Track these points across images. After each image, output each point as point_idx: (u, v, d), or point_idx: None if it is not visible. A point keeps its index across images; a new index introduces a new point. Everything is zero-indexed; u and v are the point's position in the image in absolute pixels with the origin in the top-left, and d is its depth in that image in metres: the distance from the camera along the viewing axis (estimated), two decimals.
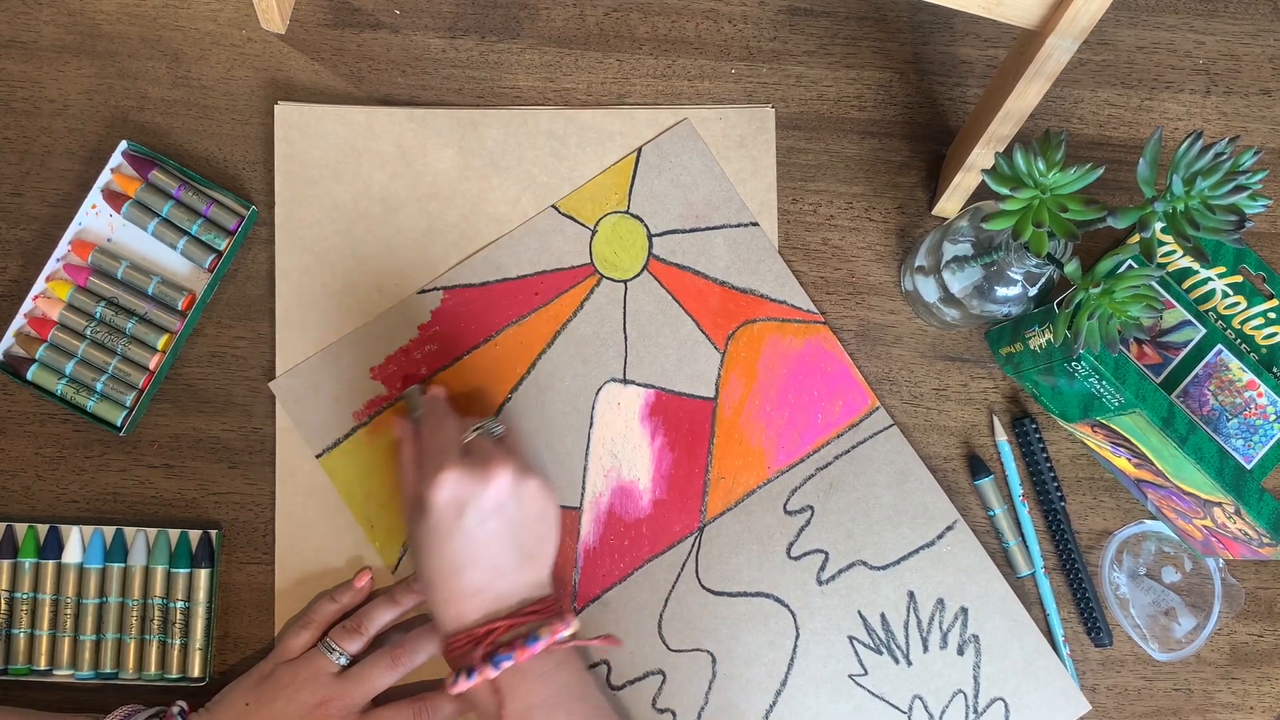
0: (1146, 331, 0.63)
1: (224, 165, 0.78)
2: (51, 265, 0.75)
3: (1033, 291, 0.72)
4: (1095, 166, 0.63)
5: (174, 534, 0.74)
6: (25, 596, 0.73)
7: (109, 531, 0.74)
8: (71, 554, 0.74)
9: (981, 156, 0.74)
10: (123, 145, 0.76)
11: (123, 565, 0.74)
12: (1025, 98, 0.69)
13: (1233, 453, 0.75)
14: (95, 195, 0.76)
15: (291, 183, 0.77)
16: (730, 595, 0.76)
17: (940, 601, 0.77)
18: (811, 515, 0.77)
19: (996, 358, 0.80)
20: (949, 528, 0.77)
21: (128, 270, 0.75)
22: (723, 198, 0.79)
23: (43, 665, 0.73)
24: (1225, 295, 0.80)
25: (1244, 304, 0.80)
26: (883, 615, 0.77)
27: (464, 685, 0.65)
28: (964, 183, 0.77)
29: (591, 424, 0.77)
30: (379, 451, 0.76)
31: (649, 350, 0.78)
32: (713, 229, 0.79)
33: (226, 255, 0.76)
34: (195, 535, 0.75)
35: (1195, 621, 0.79)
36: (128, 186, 0.76)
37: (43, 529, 0.74)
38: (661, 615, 0.76)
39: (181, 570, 0.74)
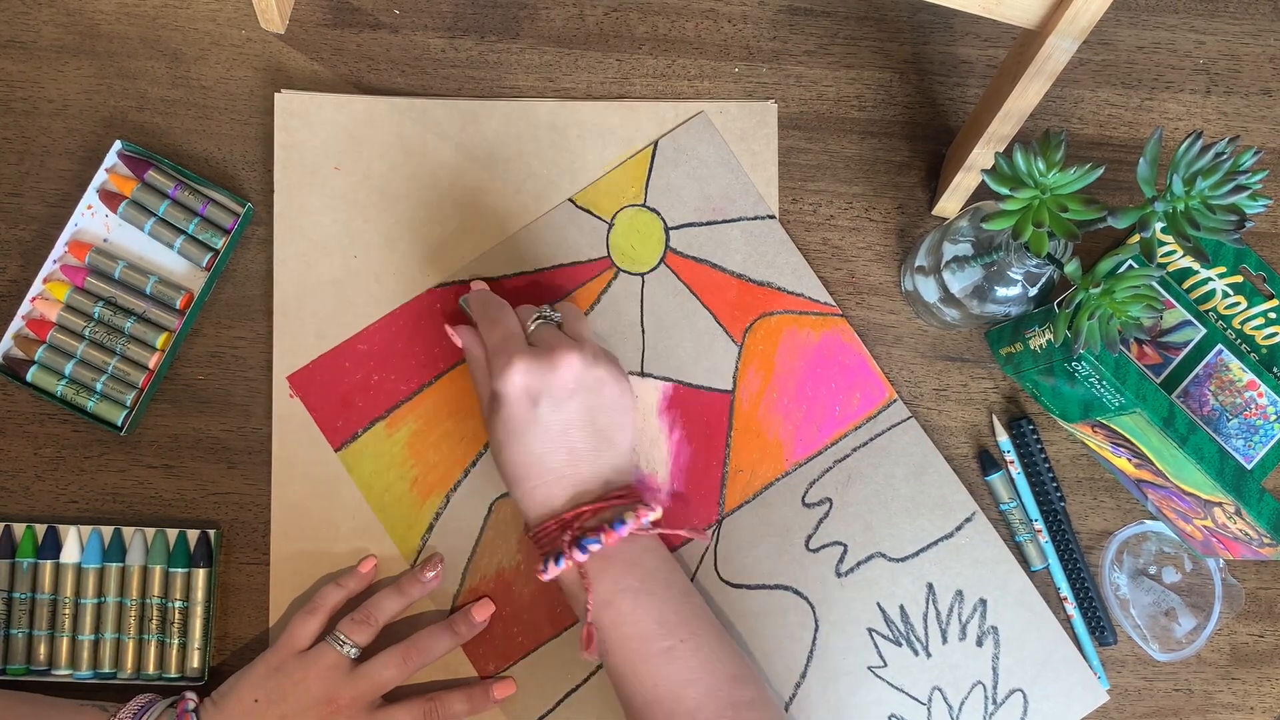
0: (1147, 332, 0.63)
1: (223, 165, 0.78)
2: (49, 267, 0.75)
3: (1033, 292, 0.72)
4: (1095, 166, 0.62)
5: (172, 534, 0.74)
6: (23, 596, 0.73)
7: (107, 531, 0.74)
8: (69, 554, 0.74)
9: (981, 156, 0.74)
10: (117, 145, 0.76)
11: (121, 565, 0.74)
12: (1025, 97, 0.69)
13: (1233, 453, 0.75)
14: (91, 195, 0.76)
15: (290, 171, 0.77)
16: (749, 588, 0.76)
17: (959, 593, 0.77)
18: (830, 507, 0.77)
19: (996, 358, 0.80)
20: (967, 519, 0.78)
21: (125, 270, 0.75)
22: (739, 190, 0.79)
23: (41, 665, 0.73)
24: (1225, 295, 0.80)
25: (1244, 304, 0.80)
26: (902, 607, 0.77)
27: (554, 571, 0.66)
28: (964, 183, 0.77)
29: None
30: (397, 445, 0.76)
31: (666, 343, 0.78)
32: (729, 222, 0.79)
33: (223, 253, 0.76)
34: (194, 535, 0.74)
35: (1196, 622, 0.79)
36: (124, 186, 0.76)
37: (41, 529, 0.74)
38: None
39: (180, 570, 0.74)
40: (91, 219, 0.76)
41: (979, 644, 0.77)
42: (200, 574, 0.74)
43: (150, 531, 0.74)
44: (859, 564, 0.77)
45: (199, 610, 0.74)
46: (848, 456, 0.78)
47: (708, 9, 0.82)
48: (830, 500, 0.77)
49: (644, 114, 0.80)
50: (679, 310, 0.78)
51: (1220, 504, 0.70)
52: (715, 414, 0.78)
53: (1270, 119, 0.84)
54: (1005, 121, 0.71)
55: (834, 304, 0.79)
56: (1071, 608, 0.78)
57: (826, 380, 0.78)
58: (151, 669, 0.73)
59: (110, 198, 0.76)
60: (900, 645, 0.76)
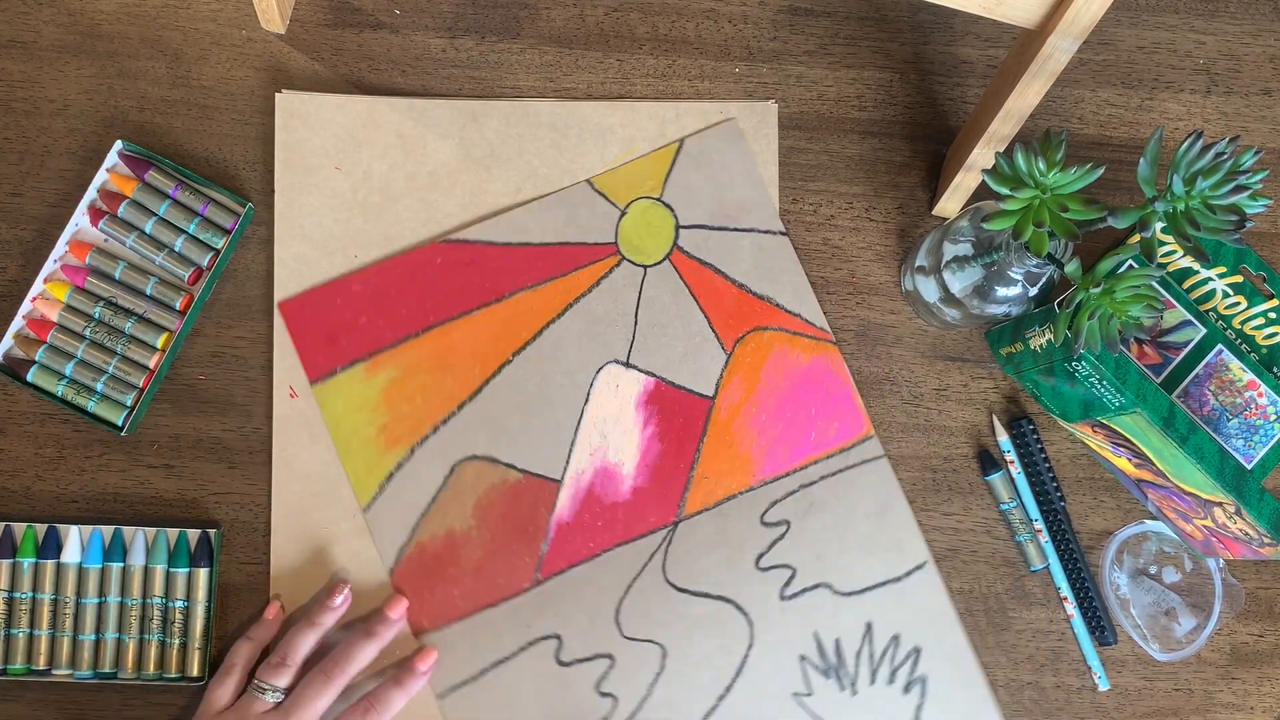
0: (1147, 331, 0.63)
1: (223, 165, 0.78)
2: (49, 266, 0.75)
3: (1033, 291, 0.72)
4: (1096, 166, 0.62)
5: (173, 533, 0.74)
6: (24, 596, 0.73)
7: (108, 531, 0.74)
8: (70, 554, 0.74)
9: (982, 156, 0.74)
10: (118, 145, 0.76)
11: (121, 565, 0.74)
12: (1026, 97, 0.69)
13: (1233, 453, 0.75)
14: (92, 195, 0.76)
15: (291, 171, 0.78)
16: (692, 594, 0.76)
17: (896, 638, 0.76)
18: (787, 530, 0.77)
19: (997, 358, 0.80)
20: (918, 567, 0.77)
21: (126, 270, 0.75)
22: (756, 202, 0.79)
23: (42, 665, 0.73)
24: (1226, 295, 0.80)
25: (1244, 304, 0.80)
26: (838, 641, 0.76)
27: None
28: (964, 183, 0.77)
29: (587, 401, 0.77)
30: (373, 389, 0.76)
31: (656, 339, 0.78)
32: (741, 231, 0.79)
33: (224, 253, 0.76)
34: (194, 535, 0.74)
35: (1196, 621, 0.79)
36: (124, 186, 0.76)
37: (41, 529, 0.74)
38: (621, 601, 0.76)
39: (180, 570, 0.74)
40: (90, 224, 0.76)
41: (905, 690, 0.76)
42: (201, 574, 0.74)
43: (151, 531, 0.74)
44: (804, 590, 0.76)
45: (199, 610, 0.74)
46: (814, 483, 0.77)
47: (708, 9, 0.82)
48: (789, 523, 0.77)
49: (644, 114, 0.80)
50: (675, 308, 0.78)
51: (1220, 504, 0.70)
52: (692, 417, 0.77)
53: (1270, 119, 0.84)
54: (1005, 121, 0.71)
55: (829, 331, 0.79)
56: (1071, 607, 0.78)
57: (808, 404, 0.78)
58: (152, 669, 0.73)
59: (111, 198, 0.76)
60: (829, 677, 0.76)
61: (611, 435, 0.77)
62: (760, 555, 0.76)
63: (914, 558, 0.77)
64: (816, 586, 0.76)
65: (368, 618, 0.74)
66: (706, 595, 0.76)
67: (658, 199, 0.79)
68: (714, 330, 0.78)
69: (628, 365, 0.78)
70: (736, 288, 0.79)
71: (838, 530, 0.77)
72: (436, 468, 0.76)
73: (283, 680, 0.70)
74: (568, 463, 0.76)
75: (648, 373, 0.78)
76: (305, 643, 0.72)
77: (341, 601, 0.73)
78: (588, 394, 0.77)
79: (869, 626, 0.76)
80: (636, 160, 0.79)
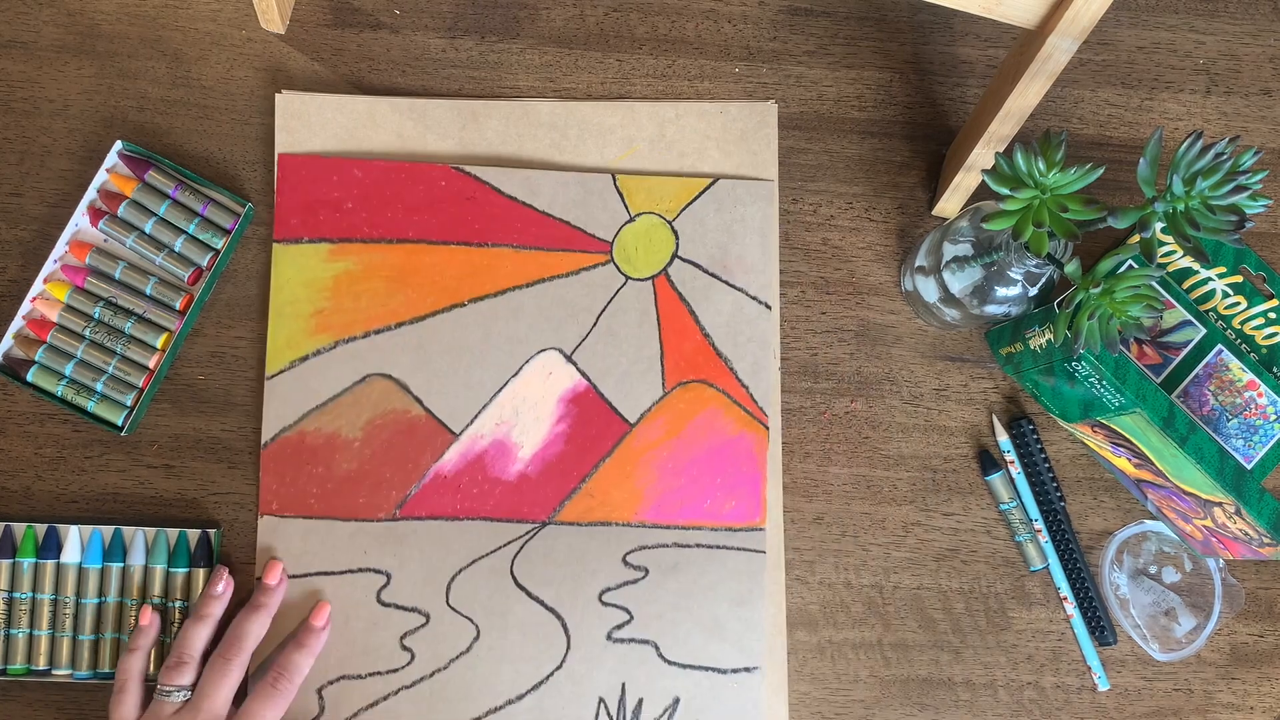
0: (1147, 331, 0.63)
1: (223, 165, 0.78)
2: (49, 267, 0.75)
3: (1033, 292, 0.72)
4: (1095, 166, 0.63)
5: (173, 534, 0.74)
6: (24, 596, 0.73)
7: (107, 531, 0.74)
8: (70, 554, 0.74)
9: (982, 156, 0.74)
10: (118, 145, 0.76)
11: (121, 565, 0.74)
12: (1025, 98, 0.69)
13: (1233, 453, 0.75)
14: (92, 195, 0.76)
15: None
16: (528, 594, 0.75)
17: None
18: (644, 577, 0.76)
19: (996, 358, 0.80)
20: (748, 669, 0.76)
21: (125, 270, 0.75)
22: (758, 267, 0.79)
23: (41, 665, 0.73)
24: (1225, 295, 0.80)
25: (1244, 304, 0.80)
26: (641, 700, 0.75)
27: None
28: (964, 183, 0.77)
29: (516, 374, 0.77)
30: (327, 271, 0.76)
31: (606, 347, 0.78)
32: (731, 286, 0.79)
33: (224, 253, 0.76)
34: (194, 535, 0.74)
35: (1195, 621, 0.79)
36: (124, 187, 0.76)
37: (41, 529, 0.74)
38: (461, 570, 0.75)
39: (180, 570, 0.74)
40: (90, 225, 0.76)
41: None
42: (200, 574, 0.74)
43: (151, 531, 0.74)
44: (632, 640, 0.76)
45: None
46: (689, 547, 0.77)
47: (708, 9, 0.82)
48: (647, 571, 0.76)
49: (644, 114, 0.80)
50: (637, 328, 0.78)
51: (1220, 504, 0.70)
52: (605, 433, 0.77)
53: (1270, 119, 0.84)
54: (1005, 121, 0.71)
55: (768, 415, 0.78)
56: (1071, 607, 0.78)
57: (716, 472, 0.77)
58: (152, 669, 0.73)
59: (111, 198, 0.76)
60: None
61: (524, 416, 0.77)
62: (607, 589, 0.76)
63: (748, 659, 0.76)
64: (645, 642, 0.76)
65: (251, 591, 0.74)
66: (540, 602, 0.75)
67: (668, 221, 0.79)
68: (663, 365, 0.78)
69: (568, 359, 0.78)
70: (702, 335, 0.78)
71: (690, 600, 0.76)
72: (350, 370, 0.76)
73: (185, 678, 0.69)
74: (471, 422, 0.76)
75: (584, 374, 0.77)
76: (198, 637, 0.71)
77: (224, 589, 0.73)
78: (520, 368, 0.77)
79: (676, 702, 0.75)
80: (669, 177, 0.79)
